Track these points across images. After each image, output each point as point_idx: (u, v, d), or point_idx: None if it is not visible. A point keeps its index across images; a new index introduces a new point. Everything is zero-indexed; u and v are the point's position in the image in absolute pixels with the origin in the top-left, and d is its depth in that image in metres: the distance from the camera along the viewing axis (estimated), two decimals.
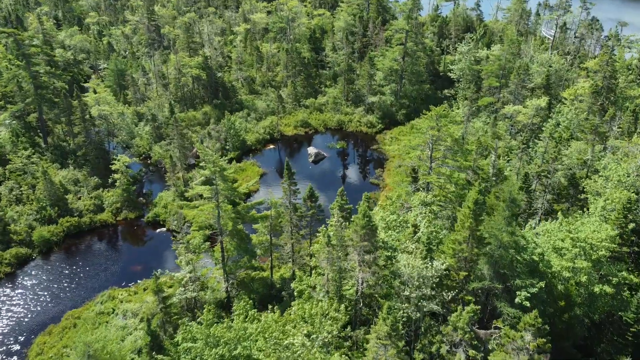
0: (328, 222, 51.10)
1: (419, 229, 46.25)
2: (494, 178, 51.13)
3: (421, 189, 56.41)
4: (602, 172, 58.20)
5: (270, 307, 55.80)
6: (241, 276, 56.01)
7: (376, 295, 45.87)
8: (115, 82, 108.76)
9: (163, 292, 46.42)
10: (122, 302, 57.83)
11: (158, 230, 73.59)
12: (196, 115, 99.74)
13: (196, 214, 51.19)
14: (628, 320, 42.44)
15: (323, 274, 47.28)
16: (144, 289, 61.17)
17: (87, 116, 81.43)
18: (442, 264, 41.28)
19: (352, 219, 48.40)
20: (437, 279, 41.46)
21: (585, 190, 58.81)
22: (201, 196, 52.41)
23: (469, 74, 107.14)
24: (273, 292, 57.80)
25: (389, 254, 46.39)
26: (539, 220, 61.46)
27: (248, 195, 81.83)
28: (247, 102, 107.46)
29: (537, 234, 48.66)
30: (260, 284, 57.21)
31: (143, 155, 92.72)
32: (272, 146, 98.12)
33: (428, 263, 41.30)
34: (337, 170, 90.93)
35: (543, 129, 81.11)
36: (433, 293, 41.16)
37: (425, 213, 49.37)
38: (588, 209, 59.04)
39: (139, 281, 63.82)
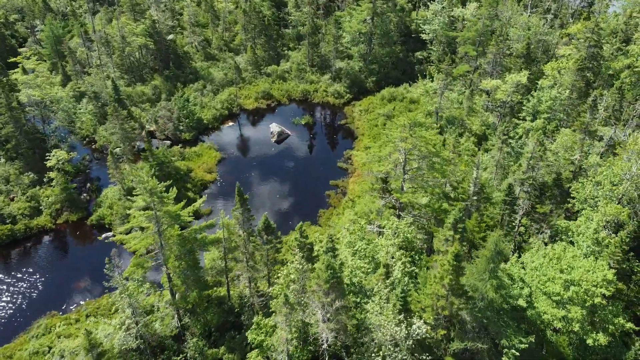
0: (286, 252, 43.65)
1: (392, 271, 39.53)
2: (474, 197, 44.30)
3: (393, 202, 49.30)
4: (591, 175, 51.98)
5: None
6: (193, 304, 48.97)
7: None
8: (53, 50, 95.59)
9: (97, 349, 39.24)
10: (59, 337, 50.51)
11: (104, 235, 65.07)
12: (145, 90, 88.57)
13: (135, 245, 43.20)
14: None
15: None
16: (87, 315, 53.87)
17: (15, 103, 70.12)
18: (421, 327, 34.88)
19: (314, 257, 41.29)
20: (416, 342, 35.33)
21: (572, 195, 52.73)
22: (142, 228, 44.23)
23: (442, 35, 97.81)
24: (231, 318, 51.24)
25: (358, 299, 39.88)
26: (520, 219, 55.66)
27: (204, 187, 73.65)
28: (202, 72, 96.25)
29: (523, 264, 42.61)
30: (215, 312, 50.24)
31: (87, 139, 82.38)
32: (231, 123, 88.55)
33: (403, 323, 34.92)
34: (302, 151, 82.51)
35: (524, 107, 74.12)
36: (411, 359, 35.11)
37: (398, 243, 42.51)
38: (576, 214, 53.32)
39: (81, 302, 56.27)
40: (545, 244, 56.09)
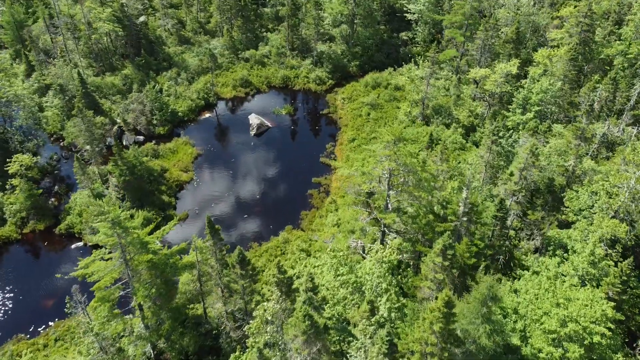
0: (265, 295, 39.97)
1: (378, 307, 36.30)
2: (464, 218, 40.88)
3: (377, 218, 45.70)
4: (586, 184, 48.74)
5: None
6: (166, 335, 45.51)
7: None
8: (15, 37, 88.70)
9: None
10: None
11: (74, 245, 60.96)
12: (115, 81, 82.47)
13: (101, 282, 39.14)
14: None
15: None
16: (56, 339, 50.30)
17: None
18: None
19: (294, 290, 37.77)
20: None
21: (566, 204, 49.61)
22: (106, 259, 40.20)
23: (427, 14, 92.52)
24: (209, 342, 48.05)
25: (341, 337, 36.74)
26: (511, 222, 52.73)
27: (180, 187, 69.24)
28: (176, 58, 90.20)
29: (516, 291, 39.65)
30: (192, 336, 46.84)
31: (55, 136, 76.87)
32: (208, 114, 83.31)
33: None
34: (283, 145, 77.82)
35: (513, 98, 70.16)
36: None
37: (384, 271, 39.16)
38: (572, 223, 50.18)
39: (50, 324, 52.52)
40: (536, 250, 53.54)
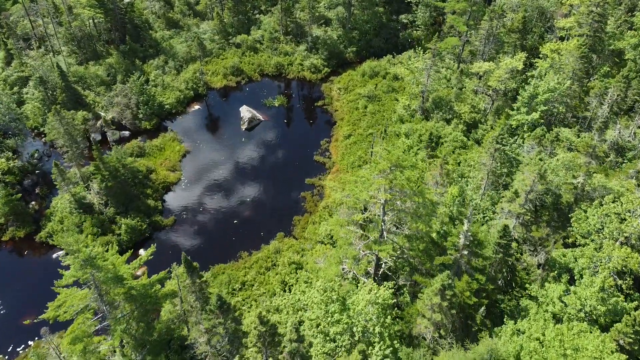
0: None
1: (370, 356, 33.28)
2: (465, 252, 37.42)
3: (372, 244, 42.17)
4: (596, 206, 45.05)
5: None
6: None
7: None
8: None
9: None
10: None
11: (55, 254, 57.71)
12: (98, 72, 77.44)
13: (71, 318, 35.99)
14: None
15: None
16: None
17: None
18: None
19: (281, 335, 34.62)
20: None
21: (573, 225, 46.09)
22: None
23: None
24: None
25: None
26: (513, 237, 49.47)
27: (167, 189, 65.43)
28: (163, 43, 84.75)
29: (518, 331, 36.57)
30: None
31: (36, 131, 72.56)
32: (197, 106, 78.64)
33: None
34: (276, 140, 73.35)
35: (519, 96, 65.65)
36: None
37: (375, 311, 35.97)
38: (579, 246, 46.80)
39: (30, 343, 49.71)
40: (539, 266, 50.44)
